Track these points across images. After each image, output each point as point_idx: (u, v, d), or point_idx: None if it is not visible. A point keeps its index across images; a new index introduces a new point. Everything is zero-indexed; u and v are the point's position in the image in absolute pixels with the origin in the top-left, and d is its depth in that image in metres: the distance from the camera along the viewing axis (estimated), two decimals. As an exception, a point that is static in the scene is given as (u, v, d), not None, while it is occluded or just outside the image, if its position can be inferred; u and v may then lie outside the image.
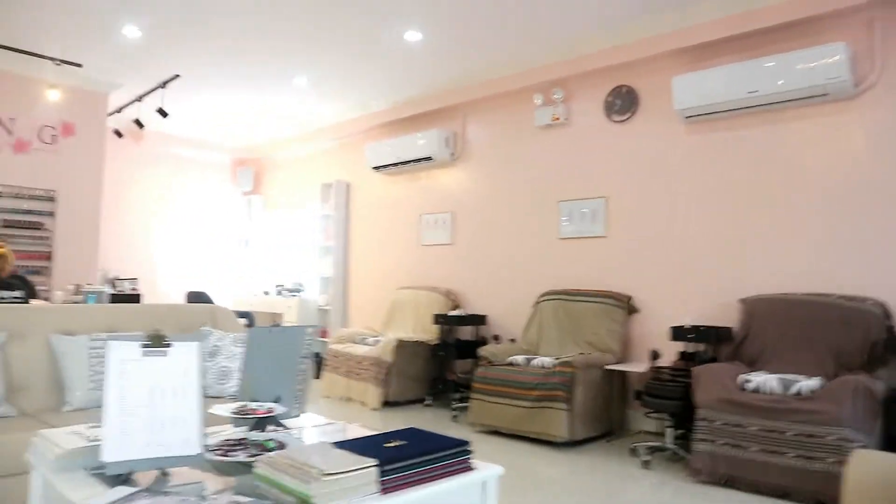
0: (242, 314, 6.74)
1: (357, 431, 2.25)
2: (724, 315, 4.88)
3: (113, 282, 7.73)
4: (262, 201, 10.11)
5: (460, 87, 6.91)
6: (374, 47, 5.95)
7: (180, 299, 8.08)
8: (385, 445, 1.69)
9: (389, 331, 7.06)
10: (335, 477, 1.44)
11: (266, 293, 9.25)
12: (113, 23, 5.60)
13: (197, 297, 7.18)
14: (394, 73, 6.66)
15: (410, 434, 1.82)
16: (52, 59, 6.38)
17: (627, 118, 5.71)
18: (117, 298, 6.97)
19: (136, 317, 3.63)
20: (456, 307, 6.73)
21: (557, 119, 6.13)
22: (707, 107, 4.95)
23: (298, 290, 8.78)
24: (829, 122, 4.60)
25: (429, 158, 7.08)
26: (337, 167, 8.73)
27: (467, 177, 7.06)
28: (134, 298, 7.18)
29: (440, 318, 6.36)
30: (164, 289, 9.00)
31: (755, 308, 4.60)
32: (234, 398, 3.48)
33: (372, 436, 1.83)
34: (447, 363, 6.26)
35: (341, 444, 1.68)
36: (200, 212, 9.83)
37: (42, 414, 3.03)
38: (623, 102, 5.75)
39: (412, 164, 7.31)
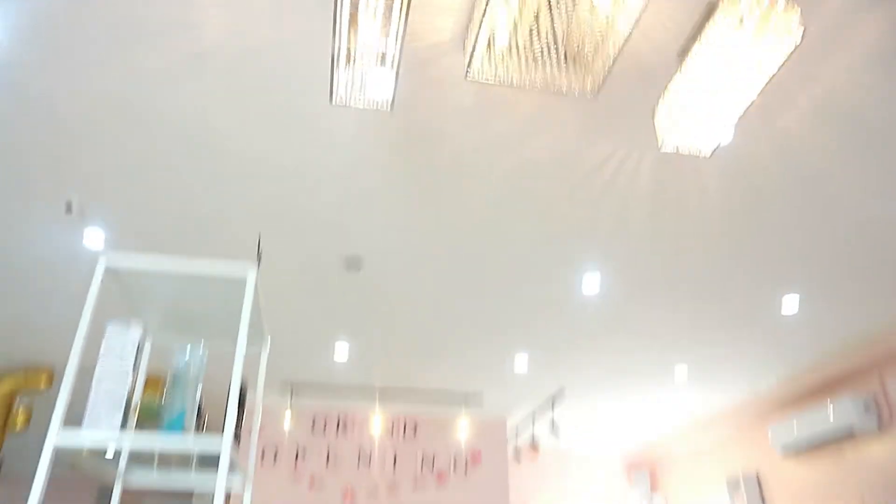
0: None
1: None
2: None
3: None
4: (664, 502, 9.48)
5: (866, 340, 6.00)
6: (748, 328, 5.70)
7: None
8: None
9: None
10: None
11: None
12: (505, 354, 6.39)
13: None
14: (774, 348, 6.18)
15: None
16: (459, 396, 7.42)
17: None
18: None
19: None
20: None
21: None
22: None
23: None
24: None
25: (849, 431, 6.04)
26: (740, 456, 7.93)
27: (909, 448, 5.77)
28: None
29: None
30: None
31: None
32: None
33: None
34: None
35: None
36: (602, 522, 9.55)
37: None
38: None
39: (830, 440, 6.30)
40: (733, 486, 7.70)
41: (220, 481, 1.38)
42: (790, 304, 5.29)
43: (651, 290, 5.10)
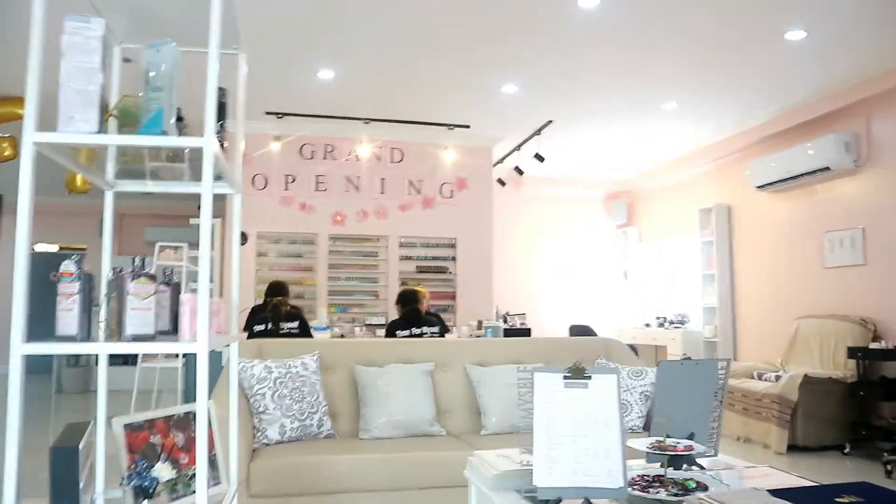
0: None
1: (783, 479, 1.99)
2: None
3: (505, 317, 8.46)
4: (637, 233, 10.10)
5: (857, 81, 5.93)
6: (748, 59, 5.52)
7: (564, 332, 8.44)
8: (837, 501, 1.45)
9: (790, 365, 6.30)
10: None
11: (647, 325, 9.12)
12: (493, 84, 6.24)
13: (581, 331, 7.40)
14: (771, 82, 6.08)
15: (867, 490, 1.53)
16: (446, 125, 7.41)
17: None
18: (509, 332, 7.59)
19: (534, 349, 3.86)
20: (876, 338, 5.69)
21: None
22: None
23: (682, 322, 8.45)
24: None
25: (826, 169, 6.21)
26: (715, 190, 8.25)
27: (879, 184, 5.98)
28: (525, 332, 7.73)
29: (857, 352, 5.44)
30: (548, 322, 9.52)
31: None
32: (631, 431, 3.44)
33: (815, 487, 1.59)
34: (870, 405, 5.30)
35: (779, 494, 1.49)
36: (576, 247, 10.23)
37: (465, 435, 3.39)
38: None
39: (805, 177, 6.50)
40: (705, 215, 8.13)
41: (206, 179, 1.38)
42: (794, 37, 5.07)
43: (649, 21, 4.83)
